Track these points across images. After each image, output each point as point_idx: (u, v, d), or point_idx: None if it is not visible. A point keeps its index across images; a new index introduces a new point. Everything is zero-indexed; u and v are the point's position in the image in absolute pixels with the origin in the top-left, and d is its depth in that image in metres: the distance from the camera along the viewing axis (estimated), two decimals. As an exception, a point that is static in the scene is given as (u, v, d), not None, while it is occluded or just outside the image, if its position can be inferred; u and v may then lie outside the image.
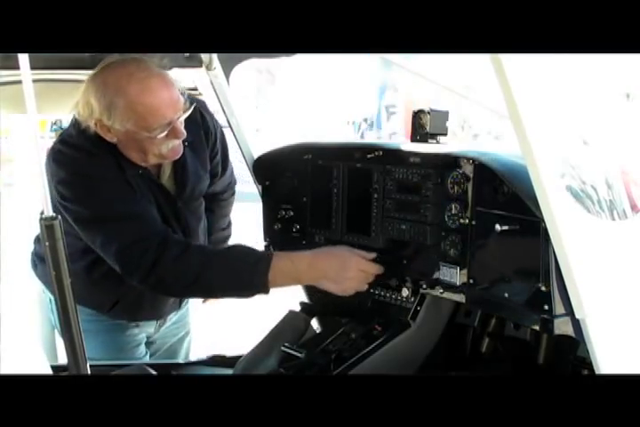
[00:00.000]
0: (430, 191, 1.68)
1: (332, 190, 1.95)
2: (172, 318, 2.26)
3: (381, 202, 1.81)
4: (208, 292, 1.92)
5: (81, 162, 1.83)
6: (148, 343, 2.25)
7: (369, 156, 1.85)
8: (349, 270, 1.79)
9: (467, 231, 1.59)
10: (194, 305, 2.38)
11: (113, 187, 1.83)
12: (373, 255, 1.82)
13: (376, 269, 1.81)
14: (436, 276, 1.69)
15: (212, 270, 1.77)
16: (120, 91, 1.74)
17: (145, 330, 2.19)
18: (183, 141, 1.89)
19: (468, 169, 1.61)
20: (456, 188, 1.62)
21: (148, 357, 2.23)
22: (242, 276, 1.77)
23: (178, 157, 1.91)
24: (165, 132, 1.79)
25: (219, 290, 1.86)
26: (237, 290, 1.82)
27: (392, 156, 1.82)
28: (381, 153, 1.84)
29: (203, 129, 2.06)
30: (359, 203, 1.88)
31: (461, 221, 1.60)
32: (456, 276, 1.62)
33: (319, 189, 2.00)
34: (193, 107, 1.86)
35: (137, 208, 1.84)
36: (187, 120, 1.87)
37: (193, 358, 2.29)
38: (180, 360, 2.29)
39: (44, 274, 2.02)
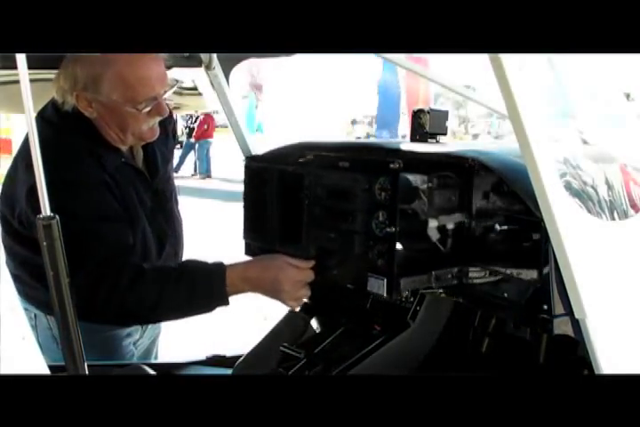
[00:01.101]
0: (358, 198, 1.58)
1: (267, 196, 1.85)
2: None
3: (312, 208, 1.71)
4: (169, 316, 1.87)
5: (60, 166, 1.71)
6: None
7: (301, 159, 1.78)
8: (284, 283, 1.74)
9: (394, 240, 1.51)
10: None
11: (90, 194, 1.74)
12: (310, 264, 1.74)
13: (312, 277, 1.75)
14: (365, 287, 1.60)
15: (169, 295, 1.72)
16: (110, 60, 1.71)
17: (133, 338, 2.17)
18: None
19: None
20: (383, 194, 1.52)
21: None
22: (199, 294, 1.74)
23: (155, 137, 1.90)
24: (150, 108, 1.77)
25: (180, 312, 1.81)
26: (199, 309, 1.78)
27: (322, 160, 1.74)
28: (312, 156, 1.77)
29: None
30: (292, 209, 1.76)
31: (388, 229, 1.51)
32: (383, 288, 1.53)
33: (255, 194, 1.89)
34: (175, 86, 1.86)
35: (106, 224, 1.74)
36: None
37: (193, 358, 2.29)
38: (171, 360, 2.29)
39: (34, 294, 1.90)
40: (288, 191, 1.77)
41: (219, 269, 1.76)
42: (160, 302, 1.72)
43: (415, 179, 1.57)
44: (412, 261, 1.56)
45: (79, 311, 1.71)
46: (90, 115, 1.81)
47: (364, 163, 1.60)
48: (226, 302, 1.77)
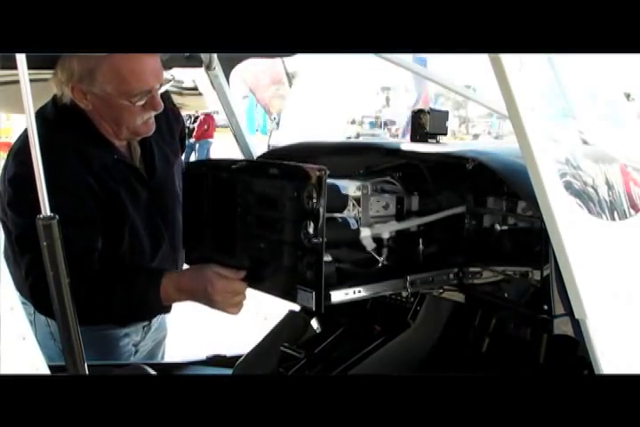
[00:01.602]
0: (286, 206, 1.50)
1: (203, 203, 1.77)
2: (155, 323, 2.24)
3: (244, 217, 1.63)
4: (106, 319, 1.89)
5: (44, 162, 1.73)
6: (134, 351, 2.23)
7: (233, 166, 1.69)
8: (215, 294, 1.68)
9: (321, 251, 1.41)
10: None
11: (60, 195, 1.60)
12: (241, 275, 1.66)
13: (245, 288, 1.69)
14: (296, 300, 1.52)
15: (105, 300, 1.74)
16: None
17: (132, 338, 2.17)
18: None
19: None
20: (310, 203, 1.43)
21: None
22: (135, 302, 1.75)
23: (150, 133, 1.89)
24: (144, 101, 1.78)
25: (118, 317, 1.86)
26: (137, 315, 1.83)
27: (254, 167, 1.69)
28: (245, 163, 1.72)
29: (172, 114, 2.06)
30: (226, 218, 1.69)
31: (315, 240, 1.42)
32: (311, 301, 1.45)
33: (192, 201, 1.83)
34: (170, 83, 1.86)
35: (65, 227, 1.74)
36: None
37: (193, 358, 2.29)
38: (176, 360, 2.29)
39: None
40: (223, 199, 1.70)
41: (155, 278, 1.76)
42: (95, 306, 1.72)
43: (347, 186, 1.54)
44: (347, 272, 1.52)
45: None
46: (85, 107, 1.82)
47: (292, 170, 1.51)
48: (165, 310, 1.80)
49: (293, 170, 1.50)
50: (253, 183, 1.59)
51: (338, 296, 1.47)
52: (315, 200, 1.42)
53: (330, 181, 1.48)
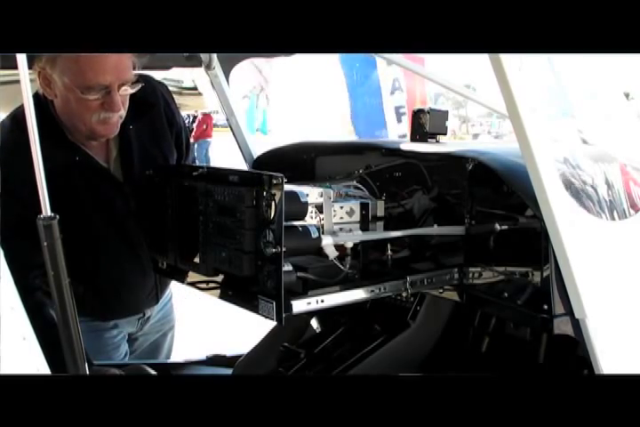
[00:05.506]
0: (244, 215, 1.45)
1: (167, 211, 1.73)
2: (157, 315, 2.23)
3: (205, 225, 1.59)
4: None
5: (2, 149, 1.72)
6: (131, 340, 2.22)
7: (194, 173, 1.66)
8: None
9: (280, 261, 1.37)
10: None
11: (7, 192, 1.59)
12: None
13: None
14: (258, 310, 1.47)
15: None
16: None
17: (125, 329, 2.16)
18: (128, 123, 1.84)
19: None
20: (270, 211, 1.39)
21: (127, 356, 2.20)
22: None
23: (110, 134, 1.83)
24: (99, 97, 1.72)
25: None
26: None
27: (214, 174, 1.63)
28: (205, 170, 1.65)
29: (166, 117, 2.00)
30: (189, 226, 1.64)
31: (274, 249, 1.37)
32: (272, 312, 1.40)
33: (156, 208, 1.78)
34: (139, 86, 1.79)
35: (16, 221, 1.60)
36: (145, 105, 1.86)
37: (193, 357, 2.29)
38: (166, 359, 2.30)
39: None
40: (185, 206, 1.66)
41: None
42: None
43: (308, 193, 1.52)
44: (312, 281, 1.48)
45: None
46: (49, 96, 1.78)
47: (250, 177, 1.48)
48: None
49: (251, 177, 1.46)
50: (214, 191, 1.55)
51: (300, 306, 1.42)
52: (272, 208, 1.38)
53: (290, 187, 1.46)
